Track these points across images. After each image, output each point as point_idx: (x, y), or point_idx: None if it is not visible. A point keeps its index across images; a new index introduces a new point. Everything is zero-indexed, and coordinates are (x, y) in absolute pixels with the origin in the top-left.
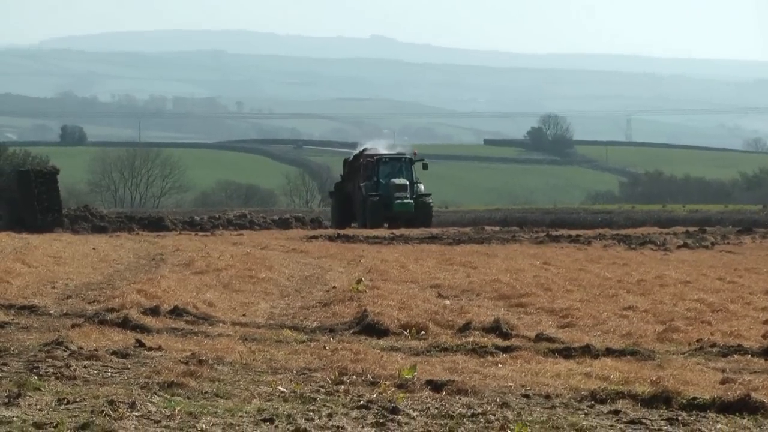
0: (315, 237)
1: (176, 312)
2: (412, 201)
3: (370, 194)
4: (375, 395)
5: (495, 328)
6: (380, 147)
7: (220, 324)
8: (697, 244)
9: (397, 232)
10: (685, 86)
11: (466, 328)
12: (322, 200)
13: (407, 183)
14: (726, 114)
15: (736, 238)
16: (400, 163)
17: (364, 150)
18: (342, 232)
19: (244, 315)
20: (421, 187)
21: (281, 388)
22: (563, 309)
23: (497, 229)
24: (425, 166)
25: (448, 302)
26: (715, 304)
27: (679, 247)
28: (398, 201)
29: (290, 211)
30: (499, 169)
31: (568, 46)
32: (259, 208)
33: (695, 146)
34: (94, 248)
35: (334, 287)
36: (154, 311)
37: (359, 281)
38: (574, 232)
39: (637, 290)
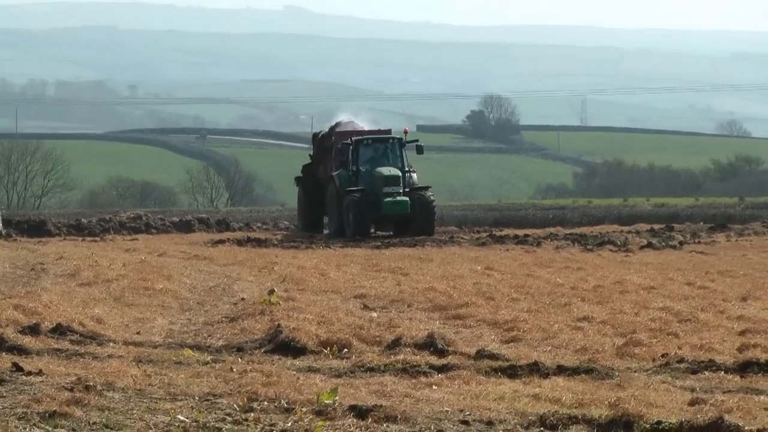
0: (221, 241)
1: (59, 330)
2: (407, 198)
3: (350, 190)
4: (290, 423)
5: (429, 344)
6: (359, 121)
7: (111, 344)
8: (663, 244)
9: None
10: (648, 61)
11: (395, 344)
12: (230, 198)
13: (399, 174)
14: (696, 92)
15: (708, 236)
16: (386, 146)
17: (337, 125)
18: (252, 235)
19: (138, 333)
20: (415, 177)
21: (181, 417)
22: (508, 321)
23: None
24: (420, 150)
25: (374, 315)
26: (684, 313)
27: (642, 247)
28: (389, 199)
29: (192, 212)
30: (434, 160)
31: (513, 16)
32: (156, 209)
33: (661, 130)
34: None
35: (242, 299)
36: (33, 330)
37: (272, 292)
38: (521, 232)
39: (594, 298)
